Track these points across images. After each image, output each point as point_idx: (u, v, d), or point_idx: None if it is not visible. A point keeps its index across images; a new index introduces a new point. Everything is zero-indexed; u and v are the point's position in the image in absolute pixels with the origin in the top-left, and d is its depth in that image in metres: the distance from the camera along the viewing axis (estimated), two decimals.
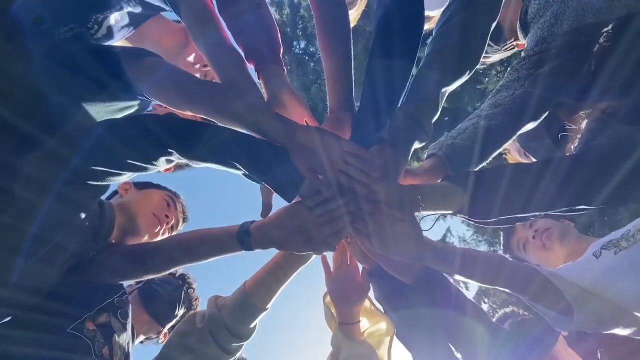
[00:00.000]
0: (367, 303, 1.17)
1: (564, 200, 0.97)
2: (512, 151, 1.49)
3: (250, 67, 1.12)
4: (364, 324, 1.18)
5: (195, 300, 1.51)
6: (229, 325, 1.03)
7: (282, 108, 1.06)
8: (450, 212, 0.98)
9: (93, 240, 1.11)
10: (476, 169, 1.06)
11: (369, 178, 0.93)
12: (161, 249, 1.11)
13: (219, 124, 0.99)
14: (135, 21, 1.22)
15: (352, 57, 1.12)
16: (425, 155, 1.16)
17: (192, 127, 0.96)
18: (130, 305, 1.18)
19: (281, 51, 1.09)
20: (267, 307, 1.08)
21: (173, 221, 1.36)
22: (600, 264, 1.05)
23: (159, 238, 1.32)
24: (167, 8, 1.17)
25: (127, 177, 1.00)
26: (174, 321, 1.46)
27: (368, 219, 0.96)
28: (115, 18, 1.13)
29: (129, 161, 0.91)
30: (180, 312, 1.46)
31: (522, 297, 1.01)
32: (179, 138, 0.92)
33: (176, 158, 0.94)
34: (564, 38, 1.12)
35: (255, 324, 1.09)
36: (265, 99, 1.08)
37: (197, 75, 1.45)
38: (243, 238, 1.01)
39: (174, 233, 1.38)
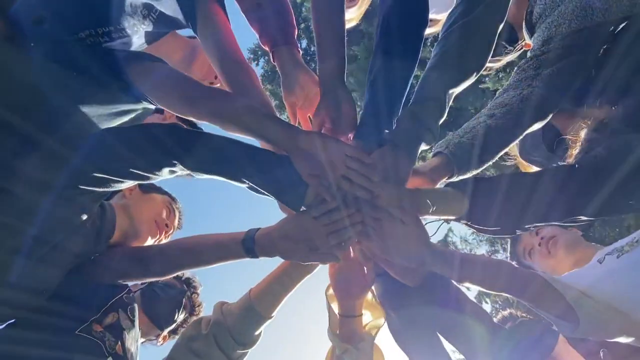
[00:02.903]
0: (369, 296, 1.16)
1: (563, 211, 0.97)
2: (519, 158, 1.47)
3: (265, 49, 1.14)
4: (366, 317, 1.17)
5: (199, 306, 1.50)
6: (233, 332, 1.03)
7: (298, 88, 1.06)
8: (453, 218, 0.98)
9: (95, 242, 1.11)
10: (479, 176, 1.06)
11: (372, 182, 0.92)
12: (165, 252, 1.11)
13: (221, 129, 0.98)
14: (150, 39, 1.22)
15: (345, 32, 1.08)
16: (431, 154, 1.15)
17: (197, 138, 0.95)
18: (136, 302, 1.18)
19: (295, 33, 1.09)
20: (272, 315, 1.08)
21: (172, 230, 1.37)
22: (603, 268, 1.05)
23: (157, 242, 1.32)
24: (183, 23, 1.18)
25: (129, 184, 1.00)
26: (173, 325, 1.46)
27: (372, 223, 0.95)
28: (131, 39, 1.14)
29: (131, 170, 0.91)
30: (180, 317, 1.46)
31: (523, 301, 1.01)
32: (183, 149, 0.91)
33: (179, 169, 0.94)
34: (571, 38, 1.11)
35: (261, 332, 1.08)
36: (281, 81, 1.09)
37: None
38: (248, 245, 1.00)
39: (169, 237, 1.38)
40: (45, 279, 0.99)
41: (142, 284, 1.44)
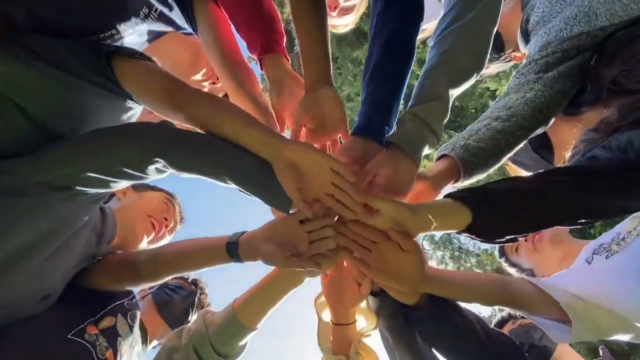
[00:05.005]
0: (364, 303, 1.12)
1: (568, 216, 0.94)
2: (509, 162, 1.47)
3: (253, 57, 1.12)
4: (360, 323, 1.14)
5: (208, 305, 1.51)
6: (215, 343, 0.99)
7: (287, 95, 1.03)
8: (456, 231, 0.92)
9: (97, 245, 1.12)
10: (479, 186, 1.00)
11: (355, 202, 0.88)
12: (155, 256, 1.11)
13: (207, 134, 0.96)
14: (151, 37, 1.24)
15: (328, 28, 1.05)
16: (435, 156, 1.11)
17: (181, 136, 0.92)
18: (139, 309, 1.20)
19: (284, 40, 1.07)
20: (255, 327, 1.03)
21: (172, 224, 1.38)
22: (593, 270, 1.07)
23: (160, 242, 1.35)
24: (183, 25, 1.19)
25: (124, 184, 0.99)
26: None
27: (371, 247, 0.91)
28: (132, 38, 1.14)
29: (122, 169, 0.89)
30: (193, 317, 1.46)
31: (518, 310, 1.03)
32: (166, 147, 0.88)
33: (163, 167, 0.92)
34: (570, 42, 1.10)
35: (245, 343, 1.05)
36: (269, 88, 1.06)
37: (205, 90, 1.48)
38: (232, 249, 0.98)
39: (173, 234, 1.40)
40: (48, 282, 0.99)
41: (149, 288, 1.46)
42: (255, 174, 0.89)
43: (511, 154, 1.08)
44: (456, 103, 6.23)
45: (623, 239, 1.10)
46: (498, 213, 0.90)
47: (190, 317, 1.46)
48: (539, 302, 0.98)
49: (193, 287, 1.50)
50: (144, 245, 1.31)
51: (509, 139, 1.04)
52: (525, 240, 1.57)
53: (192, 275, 1.54)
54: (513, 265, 1.66)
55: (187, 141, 0.90)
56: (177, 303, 1.43)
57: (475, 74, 1.02)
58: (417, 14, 1.05)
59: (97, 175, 0.89)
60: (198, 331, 1.01)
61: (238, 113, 0.95)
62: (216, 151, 0.90)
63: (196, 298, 1.47)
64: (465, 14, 1.01)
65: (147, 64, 0.99)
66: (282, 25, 1.11)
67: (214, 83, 1.46)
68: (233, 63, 1.10)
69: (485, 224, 0.90)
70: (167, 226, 1.35)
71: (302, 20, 1.01)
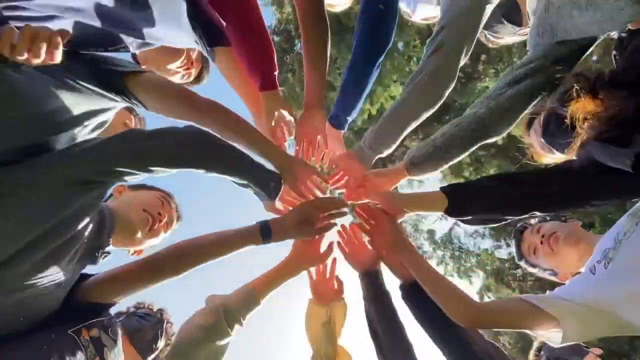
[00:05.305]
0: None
1: (522, 209, 1.19)
2: (536, 146, 1.43)
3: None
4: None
5: (173, 335, 1.56)
6: (238, 315, 1.20)
7: (276, 120, 1.35)
8: (440, 213, 1.25)
9: (98, 235, 1.14)
10: (463, 183, 1.36)
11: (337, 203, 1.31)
12: (175, 250, 1.18)
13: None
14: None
15: (328, 52, 1.41)
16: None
17: (218, 144, 1.15)
18: (118, 326, 1.18)
19: (277, 74, 1.35)
20: (260, 302, 1.26)
21: (166, 218, 1.37)
22: (594, 280, 1.12)
23: (155, 237, 1.35)
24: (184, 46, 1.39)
25: (140, 177, 1.08)
26: (153, 355, 1.50)
27: (363, 211, 1.36)
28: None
29: (151, 168, 1.05)
30: (161, 344, 1.52)
31: (523, 330, 1.11)
32: (213, 156, 1.12)
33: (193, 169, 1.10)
34: (549, 50, 1.17)
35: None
36: (265, 114, 1.37)
37: (180, 75, 1.71)
38: (265, 231, 1.20)
39: (169, 231, 1.40)
40: (60, 269, 1.01)
41: (116, 317, 1.44)
42: (255, 174, 1.21)
43: (453, 161, 1.33)
44: (455, 102, 6.25)
45: (619, 241, 1.11)
46: (469, 201, 1.22)
47: (159, 344, 1.51)
48: (532, 318, 1.07)
49: (159, 315, 1.57)
50: (139, 238, 1.31)
51: (445, 155, 1.32)
52: (542, 243, 1.56)
53: (155, 306, 1.62)
54: (533, 266, 1.64)
55: (224, 150, 1.16)
56: (147, 330, 1.50)
57: (425, 114, 1.30)
58: (387, 37, 1.42)
59: (127, 170, 1.04)
60: (227, 307, 1.20)
61: (255, 129, 1.25)
62: (243, 159, 1.18)
63: (164, 326, 1.55)
64: (435, 64, 1.23)
65: (156, 76, 1.19)
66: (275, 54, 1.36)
67: (188, 69, 1.69)
68: (256, 101, 1.39)
69: (458, 208, 1.23)
70: (160, 221, 1.35)
71: (313, 62, 1.39)
